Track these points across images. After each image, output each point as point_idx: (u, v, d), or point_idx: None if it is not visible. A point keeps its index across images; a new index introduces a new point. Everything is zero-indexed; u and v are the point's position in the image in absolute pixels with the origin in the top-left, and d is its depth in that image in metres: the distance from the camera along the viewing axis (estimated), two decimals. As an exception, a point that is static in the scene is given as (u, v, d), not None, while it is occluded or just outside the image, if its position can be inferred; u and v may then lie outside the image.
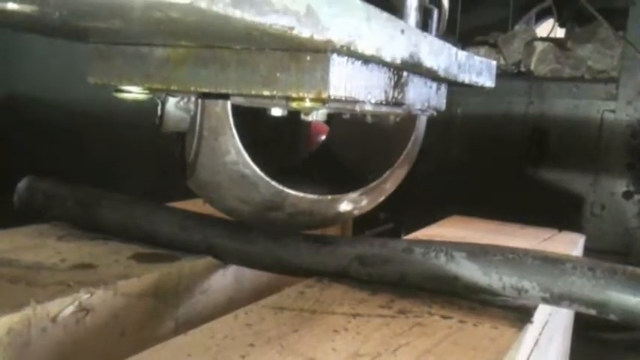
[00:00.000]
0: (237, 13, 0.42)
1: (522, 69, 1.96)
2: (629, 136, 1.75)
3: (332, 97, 0.61)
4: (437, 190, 1.91)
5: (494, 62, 1.02)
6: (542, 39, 1.98)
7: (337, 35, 0.54)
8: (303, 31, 0.50)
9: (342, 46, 0.56)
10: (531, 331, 0.68)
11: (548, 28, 2.23)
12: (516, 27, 2.17)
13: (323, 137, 1.80)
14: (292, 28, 0.49)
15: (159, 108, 0.78)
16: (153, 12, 0.44)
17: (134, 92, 0.72)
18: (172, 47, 0.67)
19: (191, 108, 0.75)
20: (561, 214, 1.73)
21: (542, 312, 0.72)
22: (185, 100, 0.75)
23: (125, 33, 0.64)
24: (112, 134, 1.42)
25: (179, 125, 0.77)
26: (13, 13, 0.51)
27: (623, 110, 1.76)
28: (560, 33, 2.22)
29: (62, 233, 0.93)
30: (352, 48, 0.57)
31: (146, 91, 0.73)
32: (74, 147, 1.33)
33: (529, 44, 1.96)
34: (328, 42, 0.54)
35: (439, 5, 0.89)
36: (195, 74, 0.66)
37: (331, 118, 0.83)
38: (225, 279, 0.88)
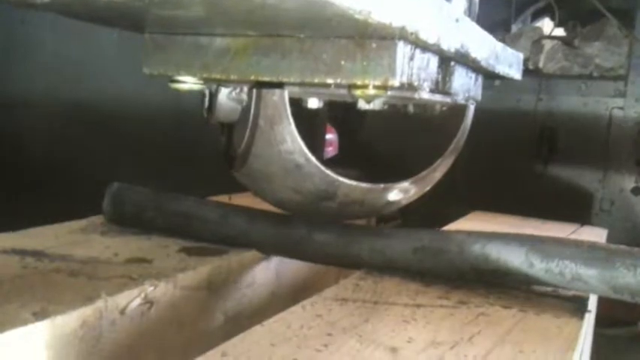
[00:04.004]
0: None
1: (530, 67, 1.98)
2: (637, 132, 1.77)
3: (397, 84, 0.62)
4: (443, 186, 1.91)
5: (521, 54, 1.03)
6: (550, 37, 2.00)
7: (409, 22, 0.56)
8: (383, 17, 0.51)
9: (411, 33, 0.57)
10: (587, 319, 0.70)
11: (544, 28, 2.25)
12: (513, 27, 2.19)
13: (329, 136, 1.81)
14: (375, 14, 0.50)
15: (206, 100, 0.79)
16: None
17: (189, 82, 0.73)
18: (232, 37, 0.67)
19: (243, 98, 0.76)
20: (570, 209, 1.75)
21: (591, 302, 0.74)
22: (237, 90, 0.76)
23: (187, 23, 0.65)
24: (121, 131, 1.42)
25: (230, 116, 0.77)
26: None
27: (632, 107, 1.78)
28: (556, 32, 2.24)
29: (103, 229, 0.93)
30: (419, 35, 0.58)
31: (201, 82, 0.74)
32: (82, 144, 1.33)
33: (537, 42, 1.98)
34: (402, 29, 0.55)
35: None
36: (256, 63, 0.67)
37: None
38: (268, 273, 0.89)
